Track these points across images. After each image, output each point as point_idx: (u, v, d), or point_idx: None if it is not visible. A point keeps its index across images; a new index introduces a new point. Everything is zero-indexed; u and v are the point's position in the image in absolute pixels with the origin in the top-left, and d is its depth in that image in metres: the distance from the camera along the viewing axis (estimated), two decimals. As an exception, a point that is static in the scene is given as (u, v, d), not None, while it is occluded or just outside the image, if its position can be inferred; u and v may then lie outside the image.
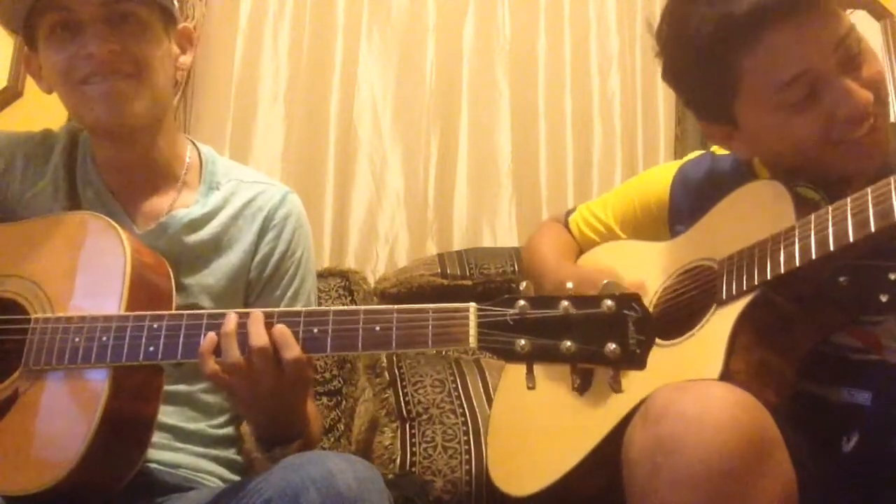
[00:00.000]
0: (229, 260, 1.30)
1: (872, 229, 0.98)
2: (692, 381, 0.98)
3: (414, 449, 1.77)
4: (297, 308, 1.15)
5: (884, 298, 0.97)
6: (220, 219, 1.31)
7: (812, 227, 1.05)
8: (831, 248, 1.01)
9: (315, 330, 1.02)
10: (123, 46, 1.19)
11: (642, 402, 1.10)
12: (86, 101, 1.20)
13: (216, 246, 1.30)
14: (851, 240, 1.00)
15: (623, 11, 2.71)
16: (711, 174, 1.35)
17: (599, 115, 2.64)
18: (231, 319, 1.04)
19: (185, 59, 1.33)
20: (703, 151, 1.47)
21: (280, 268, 1.33)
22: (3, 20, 1.30)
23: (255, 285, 1.32)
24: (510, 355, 0.96)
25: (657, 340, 1.19)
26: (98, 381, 1.06)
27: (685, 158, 1.46)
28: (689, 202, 1.36)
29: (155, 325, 1.07)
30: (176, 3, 1.30)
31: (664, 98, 2.68)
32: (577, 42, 2.66)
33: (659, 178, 1.45)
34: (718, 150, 1.43)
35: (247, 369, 1.03)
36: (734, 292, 1.12)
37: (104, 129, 1.24)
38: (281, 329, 1.03)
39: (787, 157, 1.18)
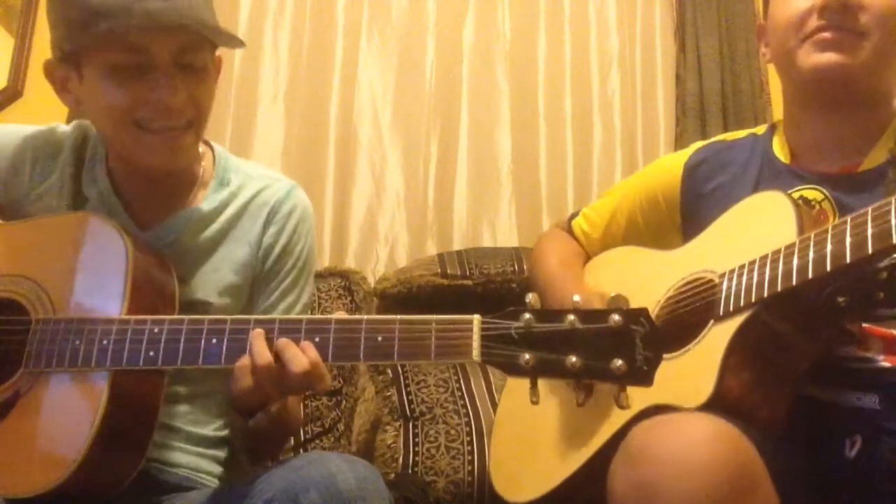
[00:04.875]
0: (235, 254, 1.30)
1: (870, 251, 0.97)
2: (671, 416, 0.96)
3: (417, 448, 1.77)
4: (299, 316, 1.14)
5: (879, 297, 0.98)
6: (227, 214, 1.31)
7: (811, 245, 1.04)
8: (828, 269, 1.01)
9: (316, 339, 1.02)
10: (189, 94, 1.17)
11: (637, 415, 1.10)
12: (139, 143, 1.18)
13: (223, 240, 1.30)
14: (848, 261, 0.99)
15: (623, 11, 2.72)
16: (730, 155, 1.36)
17: (599, 115, 2.65)
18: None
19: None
20: (710, 140, 1.47)
21: (279, 261, 1.33)
22: (58, 31, 1.19)
23: (257, 278, 1.33)
24: (514, 370, 0.95)
25: None
26: (98, 383, 1.06)
27: (693, 147, 1.45)
28: (702, 187, 1.37)
29: (156, 330, 1.06)
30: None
31: (664, 98, 2.68)
32: (577, 42, 2.67)
33: (666, 169, 1.45)
34: (730, 135, 1.43)
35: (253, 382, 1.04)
36: (731, 309, 1.11)
37: (147, 169, 1.23)
38: (284, 343, 1.02)
39: (778, 34, 1.28)
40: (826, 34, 1.20)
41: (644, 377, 0.91)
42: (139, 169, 1.25)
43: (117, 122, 1.18)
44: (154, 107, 1.15)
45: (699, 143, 1.47)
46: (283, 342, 1.02)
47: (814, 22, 1.21)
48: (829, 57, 1.20)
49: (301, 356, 1.01)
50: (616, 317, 0.92)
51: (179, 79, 1.15)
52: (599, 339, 0.92)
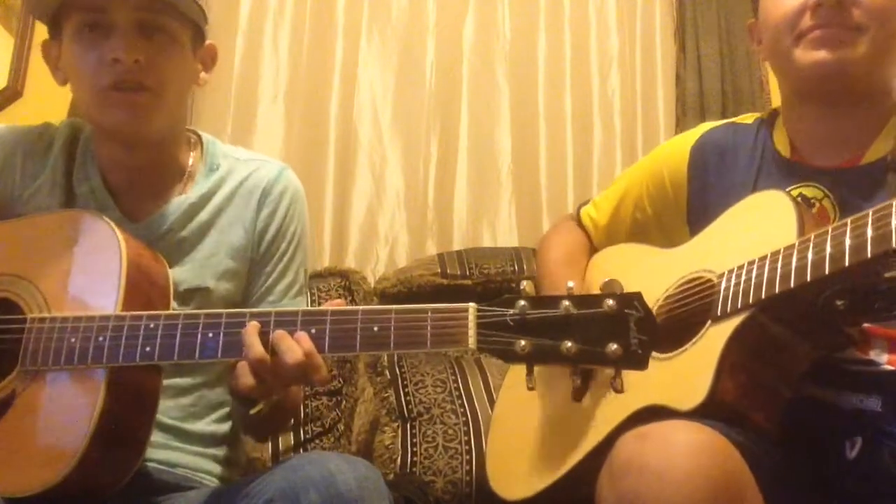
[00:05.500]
0: (230, 238, 1.30)
1: (869, 255, 0.96)
2: (656, 426, 0.95)
3: (415, 449, 1.77)
4: (295, 308, 1.14)
5: (878, 305, 0.97)
6: (218, 198, 1.31)
7: (810, 247, 1.03)
8: (826, 271, 1.00)
9: (312, 330, 1.01)
10: (149, 58, 1.18)
11: (632, 416, 1.10)
12: (106, 106, 1.20)
13: (216, 224, 1.30)
14: (847, 264, 0.98)
15: (623, 11, 2.72)
16: (734, 142, 1.35)
17: (599, 115, 2.65)
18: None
19: (205, 76, 1.33)
20: (720, 122, 1.45)
21: (273, 244, 1.33)
22: (32, 6, 1.28)
23: (253, 262, 1.33)
24: (510, 356, 0.95)
25: (653, 353, 1.19)
26: (95, 381, 1.05)
27: (701, 129, 1.43)
28: (707, 173, 1.36)
29: (151, 325, 1.06)
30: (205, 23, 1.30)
31: (664, 98, 2.68)
32: (577, 42, 2.67)
33: (674, 151, 1.43)
34: (740, 119, 1.42)
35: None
36: (728, 310, 1.10)
37: (119, 135, 1.24)
38: (280, 335, 1.02)
39: (770, 33, 1.27)
40: (821, 31, 1.19)
41: (639, 360, 0.92)
42: (115, 144, 1.26)
43: (87, 89, 1.21)
44: (112, 66, 1.17)
45: (708, 125, 1.45)
46: (279, 334, 1.01)
47: (807, 20, 1.20)
48: (825, 54, 1.19)
49: (296, 347, 1.00)
50: (610, 301, 0.92)
51: (139, 42, 1.18)
52: (594, 323, 0.92)
